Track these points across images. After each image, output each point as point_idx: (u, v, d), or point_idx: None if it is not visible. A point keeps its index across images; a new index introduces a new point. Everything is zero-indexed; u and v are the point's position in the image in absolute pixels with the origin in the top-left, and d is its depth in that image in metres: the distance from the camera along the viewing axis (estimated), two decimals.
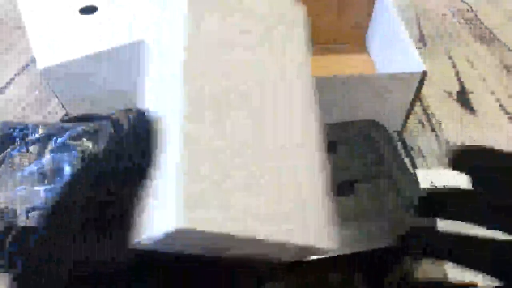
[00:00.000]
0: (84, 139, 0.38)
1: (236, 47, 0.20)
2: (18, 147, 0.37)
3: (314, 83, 0.22)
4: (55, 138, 0.38)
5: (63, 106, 0.47)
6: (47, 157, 0.37)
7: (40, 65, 0.41)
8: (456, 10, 0.66)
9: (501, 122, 0.47)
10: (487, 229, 0.15)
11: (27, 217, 0.33)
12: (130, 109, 0.18)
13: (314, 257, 0.23)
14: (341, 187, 0.32)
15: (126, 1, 0.50)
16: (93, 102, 0.47)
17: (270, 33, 0.22)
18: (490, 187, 0.17)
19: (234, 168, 0.17)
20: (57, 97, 0.45)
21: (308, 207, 0.19)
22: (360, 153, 0.35)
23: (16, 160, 0.37)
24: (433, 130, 0.47)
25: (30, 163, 0.36)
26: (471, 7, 0.67)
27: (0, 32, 0.62)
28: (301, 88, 0.22)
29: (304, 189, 0.19)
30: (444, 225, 0.17)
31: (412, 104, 0.42)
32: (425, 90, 0.50)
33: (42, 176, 0.36)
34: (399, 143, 0.45)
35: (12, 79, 0.54)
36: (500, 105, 0.50)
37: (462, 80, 0.53)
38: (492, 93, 0.51)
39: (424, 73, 0.38)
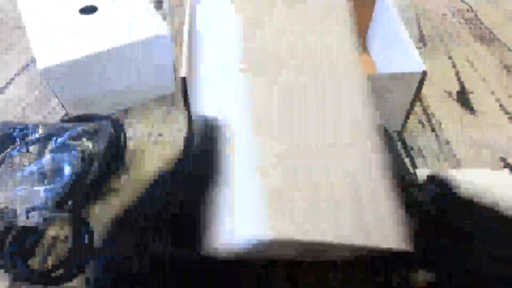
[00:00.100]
0: (84, 139, 0.38)
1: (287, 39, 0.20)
2: (18, 147, 0.37)
3: (367, 82, 0.22)
4: (55, 138, 0.38)
5: (63, 106, 0.47)
6: (47, 157, 0.37)
7: (40, 65, 0.41)
8: (456, 10, 0.66)
9: (501, 122, 0.47)
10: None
11: (27, 217, 0.33)
12: (204, 116, 0.18)
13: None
14: None
15: (126, 1, 0.50)
16: (93, 102, 0.47)
17: (321, 33, 0.22)
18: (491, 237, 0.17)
19: (301, 175, 0.17)
20: (57, 97, 0.45)
21: (377, 208, 0.19)
22: None
23: (16, 160, 0.37)
24: (433, 130, 0.47)
25: (30, 163, 0.36)
26: (471, 7, 0.67)
27: (0, 32, 0.62)
28: (356, 88, 0.22)
29: (367, 191, 0.19)
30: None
31: (412, 104, 0.42)
32: (425, 90, 0.50)
33: (42, 176, 0.36)
34: (399, 143, 0.45)
35: (12, 79, 0.54)
36: (500, 105, 0.50)
37: (462, 80, 0.53)
38: (492, 93, 0.51)
39: (424, 73, 0.38)
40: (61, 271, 0.33)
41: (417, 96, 0.41)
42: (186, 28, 0.44)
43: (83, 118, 0.42)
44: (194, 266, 0.16)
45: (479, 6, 0.67)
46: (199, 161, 0.17)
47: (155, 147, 0.45)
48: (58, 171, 0.36)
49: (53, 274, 0.33)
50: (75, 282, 0.33)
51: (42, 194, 0.35)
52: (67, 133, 0.38)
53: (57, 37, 0.45)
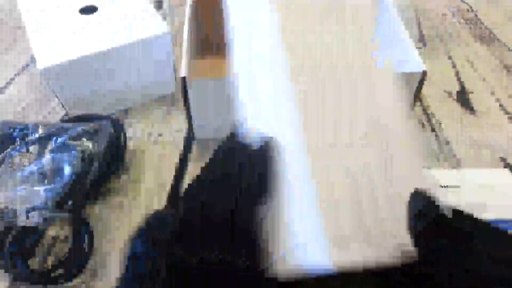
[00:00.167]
0: (84, 139, 0.38)
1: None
2: (18, 147, 0.37)
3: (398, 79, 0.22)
4: (55, 138, 0.38)
5: (63, 106, 0.47)
6: (47, 157, 0.37)
7: (40, 65, 0.41)
8: (456, 10, 0.66)
9: (501, 122, 0.47)
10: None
11: (27, 217, 0.33)
12: (260, 136, 0.19)
13: None
14: None
15: (126, 1, 0.50)
16: (93, 102, 0.47)
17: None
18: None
19: (347, 196, 0.17)
20: (57, 97, 0.45)
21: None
22: None
23: (16, 160, 0.37)
24: (433, 130, 0.47)
25: (30, 163, 0.36)
26: (471, 7, 0.67)
27: (0, 32, 0.63)
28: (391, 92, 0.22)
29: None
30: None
31: (412, 104, 0.42)
32: (425, 90, 0.50)
33: (42, 176, 0.36)
34: None
35: (12, 79, 0.54)
36: (500, 105, 0.50)
37: (462, 80, 0.53)
38: (492, 93, 0.51)
39: (424, 73, 0.38)
40: (61, 271, 0.33)
41: (417, 96, 0.41)
42: (186, 28, 0.44)
43: (83, 118, 0.42)
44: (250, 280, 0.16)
45: (479, 6, 0.67)
46: (253, 178, 0.17)
47: (155, 147, 0.45)
48: (58, 171, 0.36)
49: (53, 274, 0.33)
50: (75, 282, 0.34)
51: (42, 194, 0.35)
52: (67, 133, 0.38)
53: (57, 37, 0.45)
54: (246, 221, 0.16)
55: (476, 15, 0.65)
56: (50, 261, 0.35)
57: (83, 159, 0.37)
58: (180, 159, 0.44)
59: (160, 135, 0.47)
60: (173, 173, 0.42)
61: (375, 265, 0.16)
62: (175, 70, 0.50)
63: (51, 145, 0.38)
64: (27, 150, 0.37)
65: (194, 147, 0.45)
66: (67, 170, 0.36)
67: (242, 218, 0.16)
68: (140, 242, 0.17)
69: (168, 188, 0.41)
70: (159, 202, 0.40)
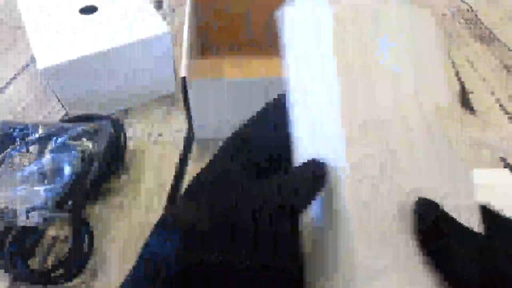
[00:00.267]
0: (84, 139, 0.38)
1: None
2: (18, 147, 0.37)
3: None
4: (55, 138, 0.38)
5: (63, 106, 0.47)
6: (47, 157, 0.37)
7: (40, 65, 0.41)
8: (456, 10, 0.66)
9: (501, 122, 0.47)
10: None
11: (27, 217, 0.33)
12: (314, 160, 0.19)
13: None
14: None
15: (126, 1, 0.50)
16: (93, 102, 0.47)
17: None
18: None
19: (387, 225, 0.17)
20: (57, 97, 0.45)
21: None
22: None
23: (16, 160, 0.37)
24: None
25: (30, 163, 0.36)
26: (471, 7, 0.66)
27: (0, 32, 0.63)
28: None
29: None
30: None
31: None
32: None
33: (42, 176, 0.36)
34: None
35: (12, 79, 0.54)
36: (500, 105, 0.50)
37: (462, 80, 0.53)
38: (492, 93, 0.51)
39: None
40: (61, 271, 0.33)
41: None
42: (186, 28, 0.44)
43: (83, 118, 0.42)
44: None
45: (479, 6, 0.67)
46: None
47: (155, 147, 0.45)
48: (58, 171, 0.36)
49: (53, 274, 0.33)
50: (75, 282, 0.34)
51: (42, 194, 0.35)
52: (67, 133, 0.38)
53: (57, 37, 0.45)
54: (246, 221, 0.16)
55: (476, 15, 0.65)
56: (50, 261, 0.35)
57: (83, 159, 0.37)
58: (180, 159, 0.44)
59: (160, 135, 0.47)
60: (173, 173, 0.42)
61: None
62: (175, 70, 0.50)
63: (51, 145, 0.38)
64: (27, 150, 0.37)
65: (194, 147, 0.45)
66: (67, 170, 0.36)
67: (242, 218, 0.16)
68: (155, 242, 0.17)
69: (168, 188, 0.41)
70: (159, 202, 0.40)
